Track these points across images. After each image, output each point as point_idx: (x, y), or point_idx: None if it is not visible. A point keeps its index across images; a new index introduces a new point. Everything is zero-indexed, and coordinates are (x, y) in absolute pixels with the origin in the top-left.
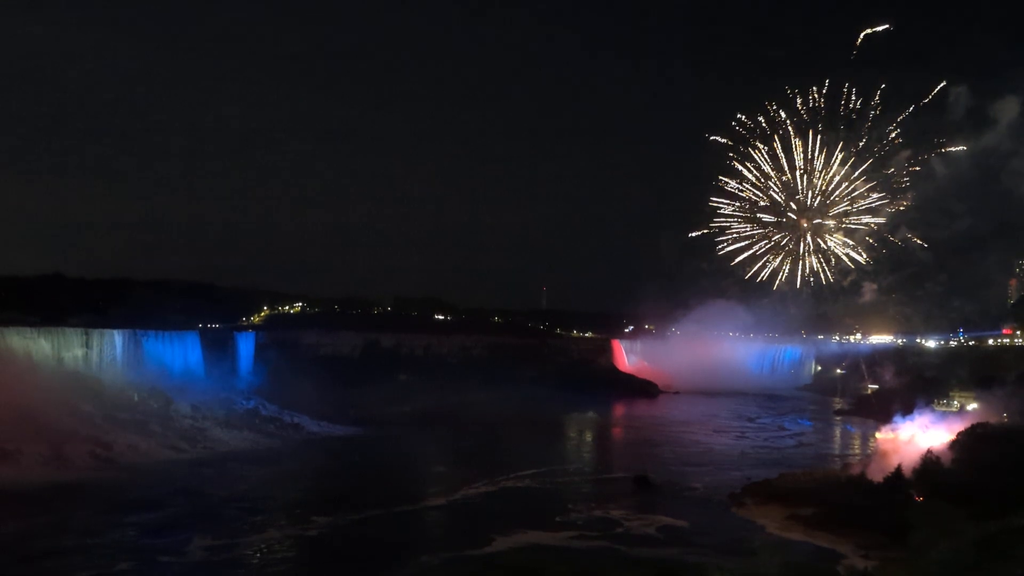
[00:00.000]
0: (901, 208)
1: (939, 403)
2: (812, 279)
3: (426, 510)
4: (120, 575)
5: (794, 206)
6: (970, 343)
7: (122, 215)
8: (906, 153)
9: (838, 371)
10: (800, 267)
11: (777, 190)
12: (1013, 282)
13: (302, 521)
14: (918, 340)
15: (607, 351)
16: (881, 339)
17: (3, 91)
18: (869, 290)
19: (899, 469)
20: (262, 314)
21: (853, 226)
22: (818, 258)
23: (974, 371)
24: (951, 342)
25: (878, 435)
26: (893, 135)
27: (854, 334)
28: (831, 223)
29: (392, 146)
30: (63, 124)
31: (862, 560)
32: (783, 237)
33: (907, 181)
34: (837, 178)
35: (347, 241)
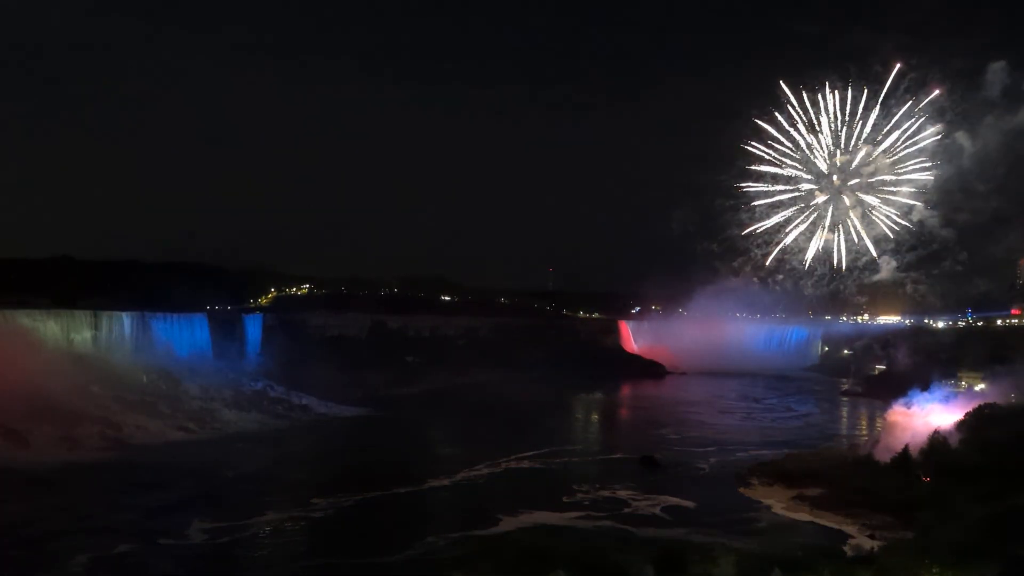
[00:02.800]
0: (924, 187)
1: (947, 384)
2: (828, 254)
3: (433, 490)
4: (119, 557)
5: (811, 178)
6: (978, 324)
7: (131, 198)
8: (935, 128)
9: (845, 352)
10: (815, 243)
11: (796, 162)
12: (1022, 262)
13: (308, 502)
14: (926, 321)
15: (614, 332)
16: (888, 320)
17: (12, 74)
18: (887, 267)
19: (906, 450)
20: (269, 296)
21: (873, 201)
22: (834, 233)
23: (986, 351)
24: (959, 323)
25: (885, 415)
26: (924, 110)
27: (861, 315)
28: (849, 199)
29: (398, 127)
30: (71, 108)
31: (869, 540)
32: (800, 211)
33: (933, 158)
34: (861, 153)
35: (354, 223)
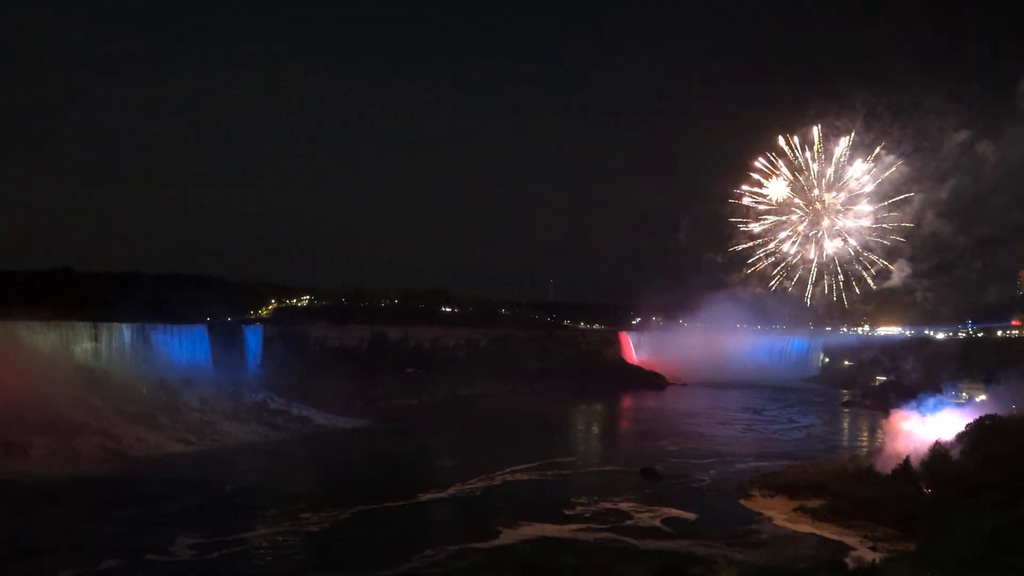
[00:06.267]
0: (941, 197)
1: (949, 395)
2: (837, 262)
3: (432, 503)
4: (103, 574)
5: (821, 189)
6: (978, 334)
7: (131, 209)
8: (961, 136)
9: (846, 363)
10: (821, 252)
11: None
12: (1022, 273)
13: (305, 515)
14: (927, 331)
15: (615, 343)
16: (890, 331)
17: (10, 85)
18: (900, 274)
19: (907, 461)
20: (270, 307)
21: (886, 210)
22: (842, 241)
23: (987, 362)
24: (959, 333)
25: (886, 426)
26: (950, 119)
27: (862, 325)
28: (863, 209)
29: (397, 139)
30: (70, 118)
31: (870, 552)
32: (804, 218)
33: (954, 168)
34: (880, 161)
35: (354, 234)
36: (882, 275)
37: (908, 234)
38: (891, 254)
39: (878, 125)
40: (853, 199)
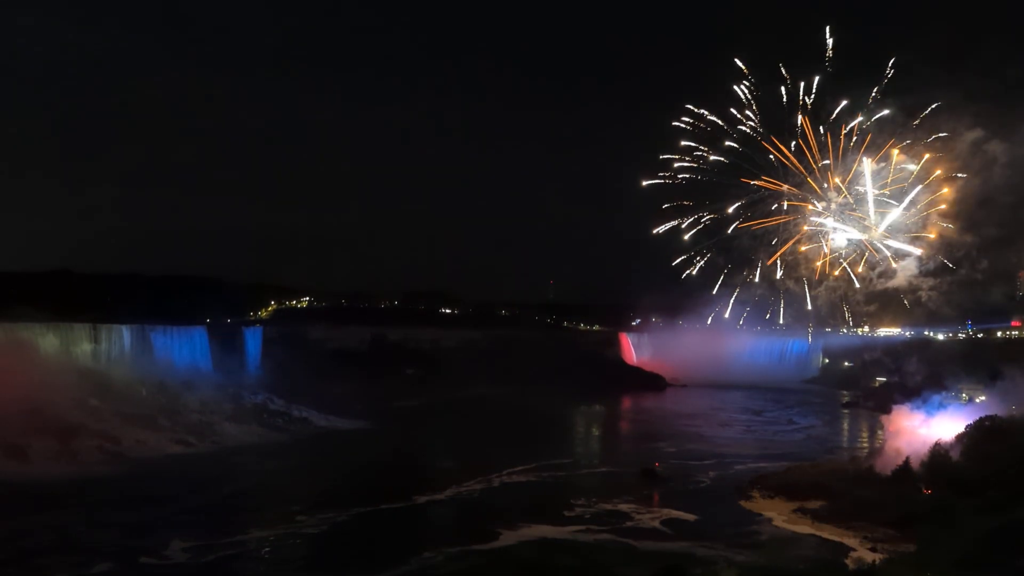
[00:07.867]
0: (945, 202)
1: (949, 396)
2: (842, 260)
3: (431, 504)
4: None
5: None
6: (978, 335)
7: (130, 210)
8: (973, 135)
9: (846, 364)
10: (822, 253)
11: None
12: (1022, 274)
13: (304, 517)
14: (926, 332)
15: (614, 344)
16: (890, 331)
17: (9, 86)
18: (904, 273)
19: (907, 462)
20: (269, 308)
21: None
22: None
23: (987, 363)
24: (959, 334)
25: (886, 427)
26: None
27: (862, 327)
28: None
29: (396, 140)
30: (70, 119)
31: (870, 553)
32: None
33: (963, 167)
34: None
35: (353, 235)
36: (886, 275)
37: (915, 235)
38: (896, 254)
39: (890, 127)
40: (860, 199)
